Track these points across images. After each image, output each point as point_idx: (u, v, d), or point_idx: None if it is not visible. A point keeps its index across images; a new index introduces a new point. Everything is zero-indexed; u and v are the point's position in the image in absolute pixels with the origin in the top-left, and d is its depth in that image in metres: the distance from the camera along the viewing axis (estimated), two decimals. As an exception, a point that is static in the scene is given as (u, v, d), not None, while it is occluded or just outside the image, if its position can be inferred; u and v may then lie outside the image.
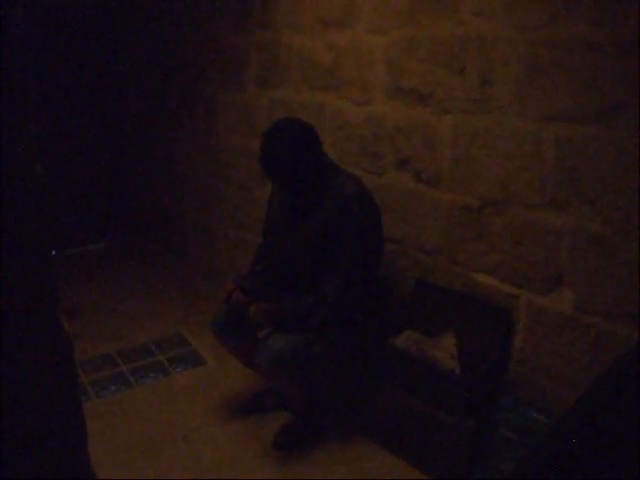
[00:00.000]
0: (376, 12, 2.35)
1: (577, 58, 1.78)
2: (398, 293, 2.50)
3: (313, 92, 2.74)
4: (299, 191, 2.15)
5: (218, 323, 2.33)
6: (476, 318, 2.19)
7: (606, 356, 1.83)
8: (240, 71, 3.21)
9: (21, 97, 0.79)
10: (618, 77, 1.69)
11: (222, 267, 3.82)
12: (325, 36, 2.61)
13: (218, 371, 2.88)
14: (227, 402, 2.64)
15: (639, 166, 1.67)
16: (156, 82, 4.09)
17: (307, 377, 2.24)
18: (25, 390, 0.87)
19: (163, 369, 2.92)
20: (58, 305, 0.93)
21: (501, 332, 2.11)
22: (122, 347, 3.13)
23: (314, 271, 2.20)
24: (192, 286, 3.91)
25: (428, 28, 2.17)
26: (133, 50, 4.29)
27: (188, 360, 3.00)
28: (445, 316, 2.29)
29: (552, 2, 1.80)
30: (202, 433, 2.43)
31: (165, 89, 4.00)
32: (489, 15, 1.99)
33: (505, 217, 2.05)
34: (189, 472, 2.21)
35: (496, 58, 1.99)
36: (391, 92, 2.36)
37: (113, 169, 4.74)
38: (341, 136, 2.63)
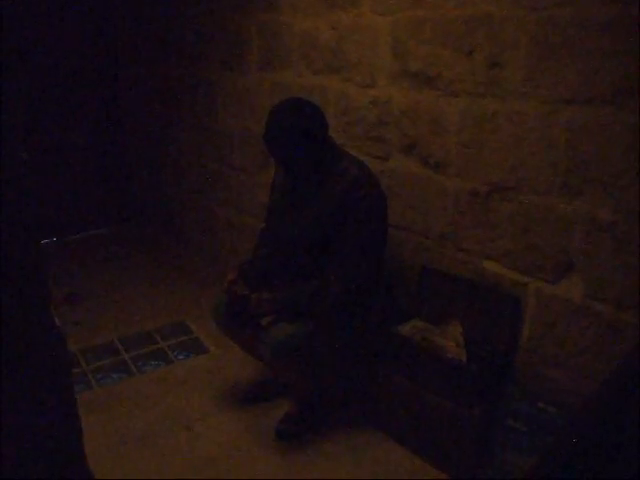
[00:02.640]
0: (381, -9, 2.28)
1: (589, 38, 1.71)
2: (403, 280, 2.46)
3: (316, 75, 2.67)
4: (303, 173, 2.10)
5: (219, 311, 2.29)
6: (483, 306, 2.15)
7: (616, 345, 1.79)
8: (241, 54, 3.14)
9: (8, 84, 0.75)
10: (632, 58, 1.62)
11: (225, 252, 3.79)
12: (328, 16, 2.53)
13: (221, 359, 2.85)
14: (230, 390, 2.61)
15: (654, 151, 1.62)
16: (156, 64, 4.02)
17: (311, 366, 2.21)
18: (17, 389, 0.83)
19: (165, 357, 2.89)
20: (49, 299, 0.89)
21: (509, 320, 2.07)
22: (124, 334, 3.11)
23: (317, 257, 2.15)
24: (195, 272, 3.88)
25: (435, 8, 2.10)
26: (133, 32, 4.21)
27: (190, 348, 2.98)
28: (452, 304, 2.25)
29: (565, -20, 1.74)
30: (204, 422, 2.40)
31: (166, 71, 3.93)
32: (498, -6, 1.92)
33: (514, 203, 1.99)
34: (191, 462, 2.19)
35: (505, 39, 1.92)
36: (397, 74, 2.30)
37: (114, 153, 4.69)
38: (345, 120, 2.58)
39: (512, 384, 2.05)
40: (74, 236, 4.53)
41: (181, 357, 2.90)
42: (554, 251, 1.91)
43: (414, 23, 2.18)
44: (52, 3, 4.09)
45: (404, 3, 2.20)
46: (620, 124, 1.68)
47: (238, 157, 3.42)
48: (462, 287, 2.21)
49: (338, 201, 2.07)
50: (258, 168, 3.24)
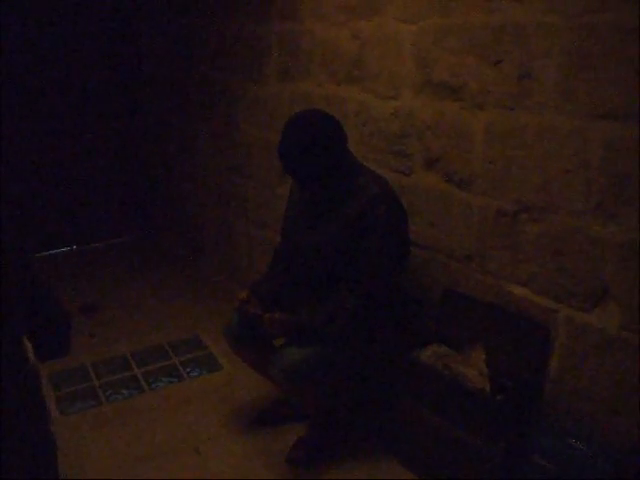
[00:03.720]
0: (405, -2, 2.18)
1: (629, 47, 1.57)
2: (424, 303, 2.33)
3: (336, 85, 2.57)
4: (319, 189, 2.00)
5: (231, 331, 2.20)
6: (509, 333, 2.01)
7: (655, 381, 1.64)
8: (261, 63, 3.06)
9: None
10: (677, 69, 1.49)
11: (242, 266, 3.70)
12: (350, 25, 2.44)
13: (234, 377, 2.76)
14: (241, 411, 2.52)
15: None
16: (176, 74, 3.98)
17: (325, 391, 2.10)
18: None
19: (177, 373, 2.81)
20: (22, 332, 0.82)
21: (536, 349, 1.92)
22: (137, 348, 3.04)
23: (334, 277, 2.05)
24: (212, 285, 3.80)
25: (461, 16, 1.99)
26: (153, 41, 4.18)
27: (203, 364, 2.89)
28: (475, 329, 2.11)
29: (601, -15, 1.61)
30: (214, 445, 2.31)
31: (185, 81, 3.88)
32: (528, 1, 1.79)
33: (544, 224, 1.86)
34: (198, 487, 2.10)
35: (536, 48, 1.79)
36: (420, 85, 2.18)
37: (135, 163, 4.66)
38: (366, 132, 2.47)
39: (539, 418, 1.90)
40: (93, 245, 4.51)
41: (194, 374, 2.81)
42: (587, 277, 1.77)
43: (439, 31, 2.07)
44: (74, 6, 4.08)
45: (429, 10, 2.09)
46: (662, 141, 1.54)
47: (257, 169, 3.34)
48: (487, 312, 2.08)
49: (356, 219, 1.96)
50: (277, 180, 3.15)
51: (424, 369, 2.05)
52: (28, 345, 0.85)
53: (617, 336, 1.72)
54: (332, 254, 2.03)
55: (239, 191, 3.59)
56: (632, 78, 1.57)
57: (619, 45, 1.59)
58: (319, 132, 1.89)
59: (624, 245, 1.66)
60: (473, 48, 1.97)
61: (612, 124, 1.63)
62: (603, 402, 1.78)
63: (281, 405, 2.46)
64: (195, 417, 2.48)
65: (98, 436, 2.35)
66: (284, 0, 2.80)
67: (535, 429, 1.88)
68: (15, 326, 0.83)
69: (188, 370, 2.84)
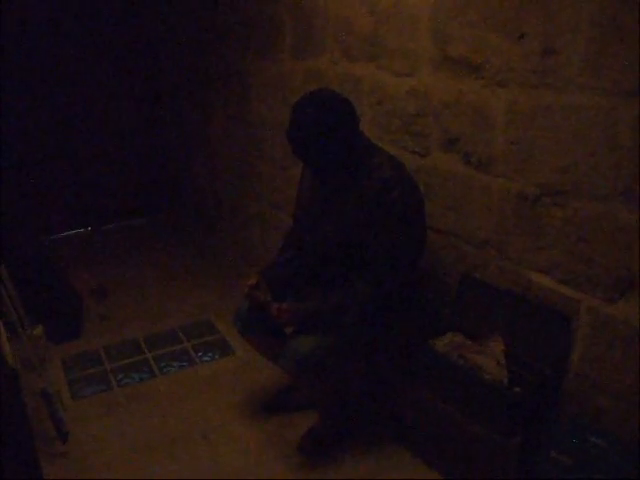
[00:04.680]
0: (423, -30, 2.06)
1: (665, 20, 1.45)
2: (440, 290, 2.25)
3: (351, 63, 2.46)
4: (330, 172, 1.92)
5: (241, 318, 2.15)
6: (528, 323, 1.92)
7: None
8: (274, 40, 2.96)
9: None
10: None
11: (256, 248, 3.65)
12: (365, 0, 2.33)
13: (246, 362, 2.72)
14: (252, 397, 2.48)
15: None
16: (191, 53, 3.89)
17: (336, 382, 2.04)
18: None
19: (189, 358, 2.78)
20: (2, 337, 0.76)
21: (557, 341, 1.83)
22: (149, 331, 3.02)
23: (347, 262, 1.98)
24: (225, 267, 3.76)
25: (482, -13, 1.87)
26: (167, 18, 4.10)
27: (215, 349, 2.86)
28: (493, 318, 2.03)
29: (636, -50, 1.48)
30: (223, 432, 2.28)
31: (199, 60, 3.80)
32: (555, -31, 1.67)
33: (568, 209, 1.75)
34: (206, 475, 2.07)
35: (562, 21, 1.67)
36: (438, 62, 2.07)
37: (151, 144, 4.61)
38: (381, 111, 2.37)
39: (558, 412, 1.82)
40: (109, 225, 4.49)
41: (205, 358, 2.78)
42: (613, 266, 1.66)
43: (458, 5, 1.95)
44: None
45: (448, -18, 1.98)
46: (699, 121, 1.43)
47: (271, 149, 3.26)
48: (505, 300, 1.99)
49: (370, 203, 1.88)
50: (291, 161, 3.07)
51: (439, 359, 1.97)
52: (7, 348, 0.80)
53: (643, 329, 1.62)
54: (345, 239, 1.95)
55: (253, 172, 3.52)
56: (667, 52, 1.46)
57: (654, 16, 1.47)
58: (329, 114, 1.80)
59: (654, 233, 1.56)
60: (494, 22, 1.84)
61: (644, 103, 1.52)
62: (625, 397, 1.69)
63: (294, 392, 2.41)
64: (206, 403, 2.45)
65: (108, 421, 2.33)
66: (297, -27, 2.69)
67: (553, 423, 1.80)
68: None
69: (200, 354, 2.81)
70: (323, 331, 1.93)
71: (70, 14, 3.96)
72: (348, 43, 2.45)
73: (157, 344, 2.90)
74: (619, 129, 1.57)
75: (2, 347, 0.81)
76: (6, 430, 0.81)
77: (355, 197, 1.91)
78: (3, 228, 3.13)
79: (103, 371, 2.68)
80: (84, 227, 4.43)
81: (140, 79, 4.40)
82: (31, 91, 3.94)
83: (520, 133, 1.85)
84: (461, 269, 2.16)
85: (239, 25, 3.26)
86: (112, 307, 3.27)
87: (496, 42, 1.85)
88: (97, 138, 4.33)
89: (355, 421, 2.29)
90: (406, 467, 2.08)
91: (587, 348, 1.78)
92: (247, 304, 2.13)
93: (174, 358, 2.78)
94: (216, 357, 2.79)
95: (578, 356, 1.81)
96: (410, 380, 2.08)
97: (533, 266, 1.90)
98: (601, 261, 1.70)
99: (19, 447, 0.86)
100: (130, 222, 4.59)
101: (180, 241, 4.26)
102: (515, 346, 1.94)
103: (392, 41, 2.24)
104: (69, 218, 4.35)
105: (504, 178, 1.94)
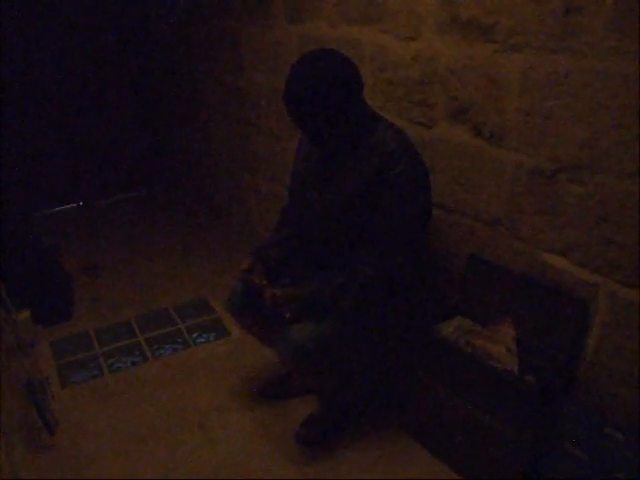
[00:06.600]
0: None
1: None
2: (447, 271, 2.12)
3: (350, 26, 2.28)
4: (329, 141, 1.77)
5: (234, 303, 2.03)
6: (542, 307, 1.80)
7: None
8: (268, 2, 2.76)
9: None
10: None
11: (253, 222, 3.52)
12: (365, -46, 2.13)
13: (242, 344, 2.61)
14: (250, 382, 2.38)
15: None
16: (180, 22, 3.68)
17: (335, 371, 1.92)
18: None
19: (183, 340, 2.68)
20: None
21: (572, 327, 1.72)
22: (141, 313, 2.91)
23: (346, 242, 1.84)
24: (223, 244, 3.63)
25: (496, -61, 1.69)
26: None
27: (210, 330, 2.75)
28: (503, 302, 1.91)
29: None
30: (219, 419, 2.18)
31: (189, 27, 3.59)
32: None
33: (587, 186, 1.61)
34: (202, 465, 1.98)
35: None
36: (445, 25, 1.90)
37: (145, 116, 4.43)
38: (383, 79, 2.20)
39: (573, 403, 1.71)
40: (101, 201, 4.34)
41: (200, 340, 2.67)
42: (635, 248, 1.53)
43: (469, -41, 1.77)
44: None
45: None
46: None
47: (266, 119, 3.09)
48: (517, 283, 1.87)
49: (371, 177, 1.73)
50: (288, 132, 2.91)
51: (446, 346, 1.86)
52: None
53: (668, 316, 1.50)
54: (345, 216, 1.81)
55: (248, 143, 3.36)
56: None
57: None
58: (330, 72, 1.63)
59: (683, 213, 1.43)
60: (509, -22, 1.67)
61: (677, 69, 1.37)
62: (646, 388, 1.59)
63: (292, 377, 2.31)
64: (201, 388, 2.35)
65: (98, 410, 2.23)
66: None
67: (567, 415, 1.70)
68: None
69: (194, 336, 2.70)
70: (321, 318, 1.81)
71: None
72: (347, 4, 2.27)
73: (150, 326, 2.79)
74: (649, 98, 1.42)
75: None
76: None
77: (356, 170, 1.76)
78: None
79: (94, 356, 2.57)
80: (76, 202, 4.28)
81: (133, 53, 4.20)
82: (18, 63, 3.75)
83: (536, 103, 1.69)
84: (469, 249, 2.03)
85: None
86: (104, 287, 3.15)
87: (510, 1, 1.68)
88: (90, 110, 4.15)
89: (356, 409, 2.20)
90: (413, 456, 1.98)
91: (605, 335, 1.66)
92: (240, 288, 2.00)
93: (167, 340, 2.67)
94: (211, 339, 2.68)
95: (594, 343, 1.69)
96: (415, 368, 1.97)
97: (547, 247, 1.77)
98: (622, 243, 1.56)
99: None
100: (122, 197, 4.43)
101: (175, 216, 4.12)
102: (526, 332, 1.82)
103: (395, 2, 2.05)
104: (60, 193, 4.19)
105: (517, 152, 1.79)
